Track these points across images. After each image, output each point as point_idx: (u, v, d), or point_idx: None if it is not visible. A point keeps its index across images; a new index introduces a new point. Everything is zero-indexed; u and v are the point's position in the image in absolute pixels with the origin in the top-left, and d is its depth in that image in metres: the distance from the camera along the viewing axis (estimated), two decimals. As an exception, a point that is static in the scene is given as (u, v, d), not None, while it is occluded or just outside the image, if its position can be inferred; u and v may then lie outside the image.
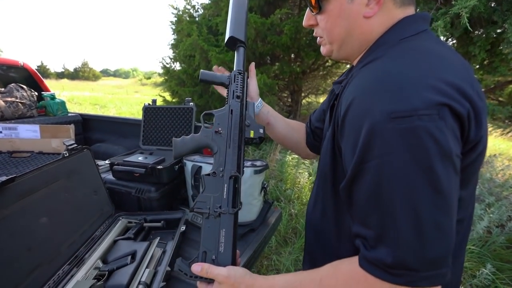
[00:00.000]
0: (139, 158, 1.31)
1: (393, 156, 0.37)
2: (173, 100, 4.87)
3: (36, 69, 2.34)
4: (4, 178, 0.75)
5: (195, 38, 3.76)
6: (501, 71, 2.53)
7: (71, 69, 54.96)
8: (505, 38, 1.87)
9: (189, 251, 1.04)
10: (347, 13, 0.50)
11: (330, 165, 0.53)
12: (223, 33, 3.85)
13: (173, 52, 4.83)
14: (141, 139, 1.61)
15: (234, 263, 0.54)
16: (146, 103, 1.64)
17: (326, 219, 0.58)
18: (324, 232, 0.60)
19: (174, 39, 4.78)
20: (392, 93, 0.38)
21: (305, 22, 0.59)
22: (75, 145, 1.07)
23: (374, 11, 0.48)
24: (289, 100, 5.24)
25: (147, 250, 0.93)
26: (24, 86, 2.04)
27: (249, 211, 1.19)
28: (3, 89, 1.96)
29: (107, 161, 1.47)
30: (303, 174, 2.95)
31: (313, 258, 0.67)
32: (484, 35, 2.23)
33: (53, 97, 2.16)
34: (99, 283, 0.79)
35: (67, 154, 1.01)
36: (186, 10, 4.63)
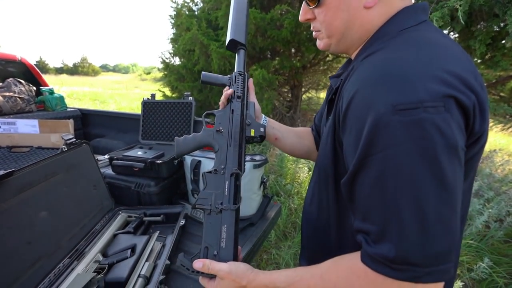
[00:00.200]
0: (139, 153, 1.31)
1: (398, 149, 0.36)
2: (173, 95, 4.85)
3: (35, 64, 2.33)
4: (2, 172, 0.75)
5: (195, 32, 3.73)
6: (503, 65, 2.50)
7: (70, 65, 54.70)
8: (507, 31, 1.85)
9: (189, 244, 1.04)
10: (347, 4, 0.49)
11: (331, 160, 0.52)
12: (223, 27, 3.82)
13: (173, 47, 4.79)
14: (140, 134, 1.61)
15: (235, 258, 0.54)
16: (145, 98, 1.63)
17: (323, 214, 0.58)
18: (321, 227, 0.59)
19: (173, 33, 4.74)
20: (396, 84, 0.37)
21: (301, 17, 0.58)
22: (74, 139, 1.07)
23: (375, 1, 0.47)
24: (289, 95, 5.22)
25: (146, 243, 0.93)
26: (22, 81, 2.03)
27: (248, 205, 1.20)
28: (1, 83, 1.95)
29: (106, 156, 1.47)
30: (302, 169, 2.96)
31: (310, 253, 0.67)
32: (485, 29, 2.20)
33: (51, 92, 2.15)
34: (99, 276, 0.79)
35: (66, 149, 1.01)
36: (185, 4, 4.58)
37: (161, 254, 0.91)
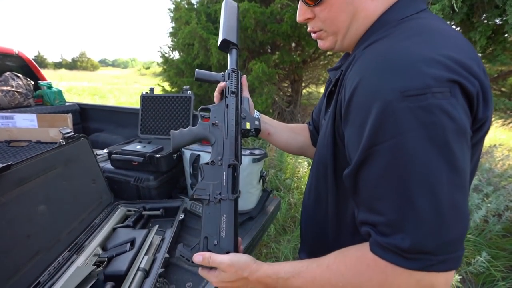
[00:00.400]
0: (138, 147, 1.31)
1: (408, 135, 0.35)
2: (172, 90, 4.83)
3: (33, 59, 2.31)
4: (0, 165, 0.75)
5: (194, 26, 3.69)
6: (502, 59, 2.47)
7: (69, 59, 54.37)
8: (507, 21, 1.82)
9: (188, 238, 1.05)
10: None
11: (330, 152, 0.52)
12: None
13: (172, 41, 4.75)
14: (139, 128, 1.60)
15: (236, 248, 0.54)
16: (144, 92, 1.62)
17: (322, 207, 0.58)
18: (320, 220, 0.59)
19: (172, 27, 4.69)
20: (402, 71, 0.36)
21: (300, 17, 0.55)
22: (72, 133, 1.07)
23: None
24: (289, 90, 5.19)
25: (146, 237, 0.93)
26: (20, 75, 2.02)
27: (247, 199, 1.20)
28: (-2, 77, 1.94)
29: (105, 150, 1.47)
30: (302, 164, 2.96)
31: (310, 247, 0.67)
32: (485, 21, 2.18)
33: (50, 86, 2.14)
34: (98, 269, 0.80)
35: (64, 143, 1.01)
36: (185, -3, 4.52)
37: (160, 248, 0.91)
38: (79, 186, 1.02)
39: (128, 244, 0.88)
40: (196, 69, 0.74)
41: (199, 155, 1.20)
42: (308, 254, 0.66)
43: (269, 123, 0.79)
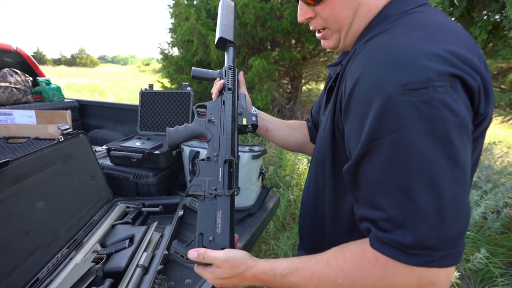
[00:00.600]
0: (137, 144, 1.30)
1: (410, 130, 0.35)
2: (172, 87, 4.81)
3: (32, 55, 2.29)
4: (-3, 162, 0.75)
5: (193, 22, 3.67)
6: (503, 54, 2.45)
7: (68, 56, 54.12)
8: (507, 16, 1.80)
9: (187, 235, 1.05)
10: None
11: (329, 147, 0.51)
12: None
13: (171, 37, 4.72)
14: (139, 125, 1.60)
15: (232, 244, 0.53)
16: (143, 88, 1.61)
17: (320, 202, 0.57)
18: (318, 216, 0.59)
19: (172, 23, 4.66)
20: (404, 65, 0.36)
21: (301, 17, 0.54)
22: (71, 129, 1.06)
23: None
24: (289, 86, 5.17)
25: (145, 234, 0.93)
26: (18, 71, 2.00)
27: (247, 196, 1.20)
28: (-4, 74, 1.92)
29: (104, 147, 1.47)
30: (302, 161, 2.96)
31: (308, 243, 0.67)
32: (486, 16, 2.16)
33: (48, 83, 2.13)
34: (97, 266, 0.80)
35: (62, 139, 1.00)
36: (184, -7, 4.48)
37: (159, 244, 0.91)
38: (78, 183, 1.02)
39: (127, 241, 0.88)
40: (193, 68, 0.75)
41: (198, 152, 1.20)
42: (307, 251, 0.66)
43: (267, 120, 0.79)
